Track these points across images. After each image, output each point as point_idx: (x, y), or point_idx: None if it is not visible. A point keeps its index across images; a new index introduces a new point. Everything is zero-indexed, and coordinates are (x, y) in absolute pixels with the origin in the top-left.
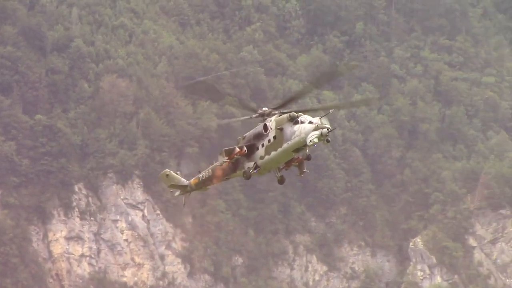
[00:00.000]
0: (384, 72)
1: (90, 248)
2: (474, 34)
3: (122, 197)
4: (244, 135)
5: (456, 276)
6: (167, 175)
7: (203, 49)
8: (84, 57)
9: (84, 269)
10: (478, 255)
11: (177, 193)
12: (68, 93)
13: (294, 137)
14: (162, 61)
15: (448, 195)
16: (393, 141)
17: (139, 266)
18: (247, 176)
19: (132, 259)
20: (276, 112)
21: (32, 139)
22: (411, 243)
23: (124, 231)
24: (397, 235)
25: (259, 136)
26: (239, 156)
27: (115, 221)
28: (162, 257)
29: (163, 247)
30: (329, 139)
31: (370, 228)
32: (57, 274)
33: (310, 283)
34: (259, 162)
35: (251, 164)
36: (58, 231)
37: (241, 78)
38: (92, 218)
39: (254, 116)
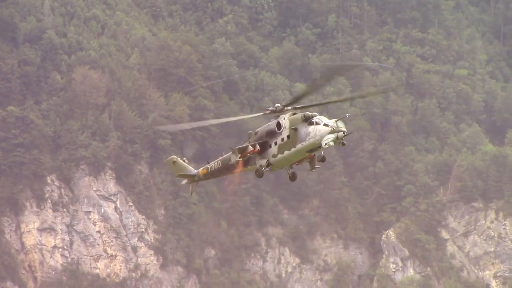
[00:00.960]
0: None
1: (63, 239)
2: (447, 27)
3: (94, 189)
4: (256, 130)
5: (428, 269)
6: (174, 161)
7: (175, 41)
8: (56, 48)
9: (56, 261)
10: (450, 248)
11: (184, 181)
12: (40, 84)
13: (309, 138)
14: (134, 52)
15: (421, 188)
16: (366, 133)
17: (112, 257)
18: (260, 174)
19: (105, 250)
20: (289, 108)
21: (4, 131)
22: (383, 236)
23: (97, 223)
24: (369, 227)
25: (272, 134)
26: (252, 155)
27: (88, 212)
28: (134, 249)
29: (136, 239)
30: (345, 142)
31: (343, 221)
32: (29, 266)
33: (283, 275)
34: (272, 160)
35: (263, 161)
36: (31, 222)
37: (213, 70)
38: (64, 210)
39: (266, 112)
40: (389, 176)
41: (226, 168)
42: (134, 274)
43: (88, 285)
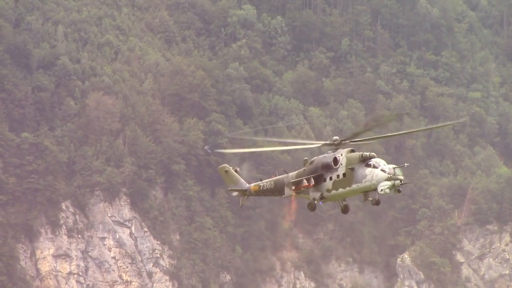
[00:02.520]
0: (370, 88)
1: (78, 265)
2: (460, 49)
3: (109, 215)
4: (312, 159)
5: None
6: (226, 171)
7: (189, 66)
8: (70, 74)
9: (72, 287)
10: (465, 271)
11: (235, 193)
12: (54, 110)
13: (365, 181)
14: (148, 78)
15: (435, 211)
16: (380, 157)
17: (127, 283)
18: (312, 208)
19: (120, 276)
20: (347, 141)
21: (18, 157)
22: (398, 259)
23: (112, 249)
24: (384, 251)
25: (327, 168)
26: (306, 189)
27: (103, 238)
28: (150, 275)
29: (151, 265)
30: (401, 189)
31: (358, 244)
32: None
33: None
34: (325, 194)
35: (317, 195)
36: (46, 249)
37: (227, 94)
38: (79, 236)
39: (324, 144)
40: (404, 199)
41: (278, 191)
42: None
43: None
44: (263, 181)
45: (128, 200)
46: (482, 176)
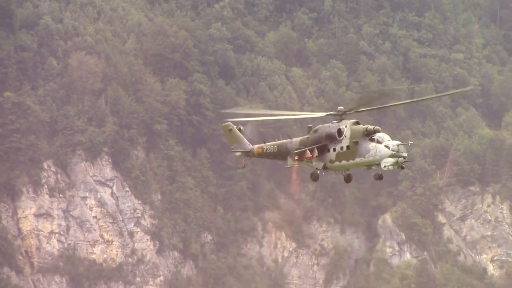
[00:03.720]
0: (352, 49)
1: (59, 225)
2: (443, 11)
3: (91, 174)
4: (316, 128)
5: (425, 253)
6: (230, 129)
7: (171, 26)
8: (52, 34)
9: (53, 246)
10: (447, 232)
11: (238, 153)
12: (36, 70)
13: (368, 156)
14: (130, 38)
15: (417, 172)
16: (362, 118)
17: (108, 243)
18: (315, 178)
19: (101, 235)
20: (352, 112)
21: (1, 117)
22: (380, 220)
23: (93, 208)
24: (366, 212)
25: (331, 138)
26: (308, 159)
27: (84, 198)
28: (131, 234)
29: (132, 224)
30: (404, 166)
31: (339, 205)
32: (26, 251)
33: (279, 260)
34: (329, 164)
35: (320, 164)
36: (27, 208)
37: (209, 55)
38: (61, 195)
39: (330, 113)
40: None
41: (281, 155)
42: (130, 259)
43: (84, 270)
44: (267, 144)
45: (110, 160)
46: (464, 137)
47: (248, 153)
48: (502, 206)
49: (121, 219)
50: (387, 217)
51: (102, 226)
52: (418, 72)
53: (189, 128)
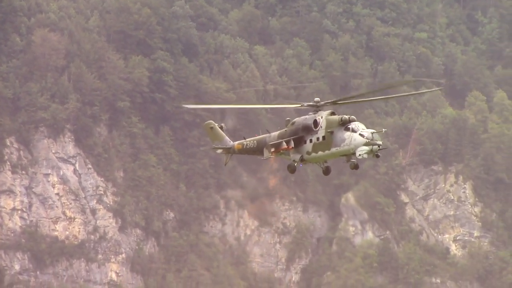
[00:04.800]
0: (316, 27)
1: (22, 201)
2: None
3: (53, 151)
4: (293, 120)
5: (387, 232)
6: (211, 127)
7: (135, 3)
8: (16, 10)
9: (15, 223)
10: (410, 211)
11: (219, 150)
12: (0, 47)
13: (344, 145)
14: (94, 15)
15: (380, 151)
16: (325, 96)
17: (71, 220)
18: (292, 170)
19: (64, 212)
20: (328, 103)
21: None
22: (342, 199)
23: (56, 185)
24: (328, 190)
25: (308, 130)
26: (286, 151)
27: (47, 175)
28: (93, 211)
29: (95, 201)
30: (379, 154)
31: (302, 184)
32: None
33: (242, 238)
34: (305, 156)
35: (297, 156)
36: None
37: (172, 32)
38: (23, 172)
39: (305, 105)
40: None
41: (260, 150)
42: (92, 237)
43: (46, 247)
44: (247, 140)
45: (73, 137)
46: (427, 116)
47: (229, 150)
48: (465, 185)
49: (83, 196)
50: (350, 196)
51: (64, 203)
52: (381, 51)
53: (152, 105)
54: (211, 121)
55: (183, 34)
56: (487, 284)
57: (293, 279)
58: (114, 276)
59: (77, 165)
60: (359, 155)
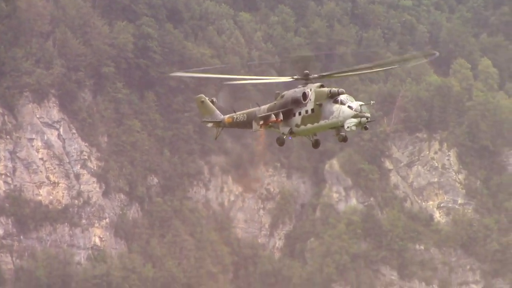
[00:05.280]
0: None
1: (6, 166)
2: None
3: (38, 116)
4: (283, 93)
5: (372, 199)
6: (202, 101)
7: None
8: None
9: None
10: (394, 178)
11: (210, 124)
12: None
13: (332, 117)
14: None
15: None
16: (310, 63)
17: (55, 184)
18: (281, 142)
19: (48, 177)
20: (317, 76)
21: None
22: (327, 165)
23: (40, 150)
24: (313, 157)
25: (297, 103)
26: (275, 123)
27: (31, 139)
28: (77, 176)
29: (79, 166)
30: (367, 127)
31: (286, 150)
32: None
33: (226, 203)
34: (295, 129)
35: (286, 129)
36: None
37: None
38: (7, 137)
39: (295, 78)
40: None
41: (250, 123)
42: (76, 201)
43: (30, 212)
44: (237, 113)
45: (57, 102)
46: (412, 83)
47: (219, 124)
48: (449, 153)
49: (67, 161)
50: (334, 163)
51: (48, 168)
52: (366, 19)
53: (137, 71)
54: (202, 95)
55: (168, 0)
56: (471, 251)
57: (277, 245)
58: (97, 241)
59: (61, 130)
60: (348, 127)
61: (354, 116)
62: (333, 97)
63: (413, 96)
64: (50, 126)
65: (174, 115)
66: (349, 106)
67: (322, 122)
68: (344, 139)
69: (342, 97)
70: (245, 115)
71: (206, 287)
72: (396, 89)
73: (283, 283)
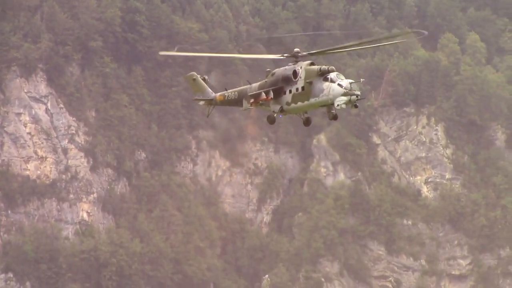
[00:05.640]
0: None
1: None
2: None
3: (25, 90)
4: (274, 71)
5: (359, 174)
6: (194, 79)
7: None
8: None
9: None
10: (382, 153)
11: (201, 102)
12: None
13: (322, 95)
14: None
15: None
16: (297, 37)
17: (42, 159)
18: (272, 121)
19: (35, 152)
20: (307, 53)
21: None
22: (314, 140)
23: (28, 125)
24: (300, 131)
25: (287, 81)
26: (265, 102)
27: (19, 114)
28: (65, 151)
29: (66, 141)
30: (358, 104)
31: (274, 124)
32: None
33: (213, 178)
34: (285, 107)
35: (277, 107)
36: None
37: None
38: None
39: (285, 55)
40: None
41: (241, 101)
42: (64, 176)
43: (18, 187)
44: (228, 91)
45: (45, 76)
46: (399, 58)
47: (211, 102)
48: (437, 127)
49: (55, 135)
50: (322, 137)
51: (36, 142)
52: None
53: (124, 45)
54: (193, 72)
55: None
56: (459, 226)
57: (264, 219)
58: (85, 215)
59: (49, 104)
60: (338, 105)
61: (344, 94)
62: (323, 75)
63: (400, 71)
64: (37, 100)
65: (162, 90)
66: (339, 84)
67: (312, 100)
68: (334, 117)
69: (332, 75)
70: (236, 93)
71: (193, 262)
72: (383, 64)
73: (271, 257)
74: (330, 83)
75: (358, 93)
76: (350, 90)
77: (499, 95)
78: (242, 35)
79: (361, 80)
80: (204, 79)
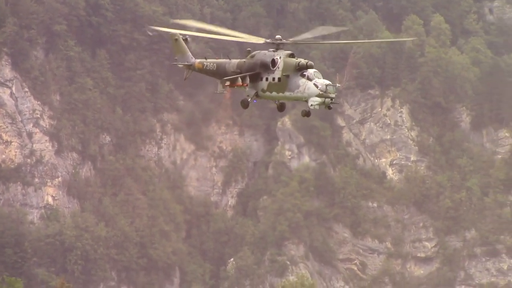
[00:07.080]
0: None
1: None
2: None
3: None
4: (254, 53)
5: (324, 156)
6: (176, 39)
7: None
8: None
9: None
10: (346, 135)
11: (180, 65)
12: None
13: (297, 92)
14: None
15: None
16: (262, 20)
17: (7, 143)
18: (245, 105)
19: (0, 136)
20: (289, 42)
21: None
22: (279, 123)
23: None
24: (265, 114)
25: (265, 67)
26: (239, 87)
27: None
28: (30, 135)
29: (31, 125)
30: (331, 106)
31: (238, 107)
32: None
33: (178, 161)
34: (260, 93)
35: (252, 92)
36: None
37: None
38: None
39: (266, 41)
40: None
41: (219, 74)
42: (29, 160)
43: None
44: (208, 60)
45: (9, 60)
46: (364, 40)
47: (190, 67)
48: (402, 109)
49: (20, 119)
50: (286, 120)
51: (1, 126)
52: None
53: (89, 29)
54: (176, 32)
55: None
56: (424, 208)
57: (229, 203)
58: (50, 200)
59: (13, 88)
60: (311, 105)
61: (319, 96)
62: (301, 70)
63: (365, 53)
64: (2, 84)
65: (126, 73)
66: (315, 84)
67: (287, 94)
68: (307, 114)
69: (309, 72)
70: (215, 64)
71: (159, 246)
72: (348, 46)
73: (236, 241)
74: (307, 81)
75: (333, 96)
76: (325, 92)
77: (464, 77)
78: (206, 18)
79: (337, 85)
80: (185, 40)
